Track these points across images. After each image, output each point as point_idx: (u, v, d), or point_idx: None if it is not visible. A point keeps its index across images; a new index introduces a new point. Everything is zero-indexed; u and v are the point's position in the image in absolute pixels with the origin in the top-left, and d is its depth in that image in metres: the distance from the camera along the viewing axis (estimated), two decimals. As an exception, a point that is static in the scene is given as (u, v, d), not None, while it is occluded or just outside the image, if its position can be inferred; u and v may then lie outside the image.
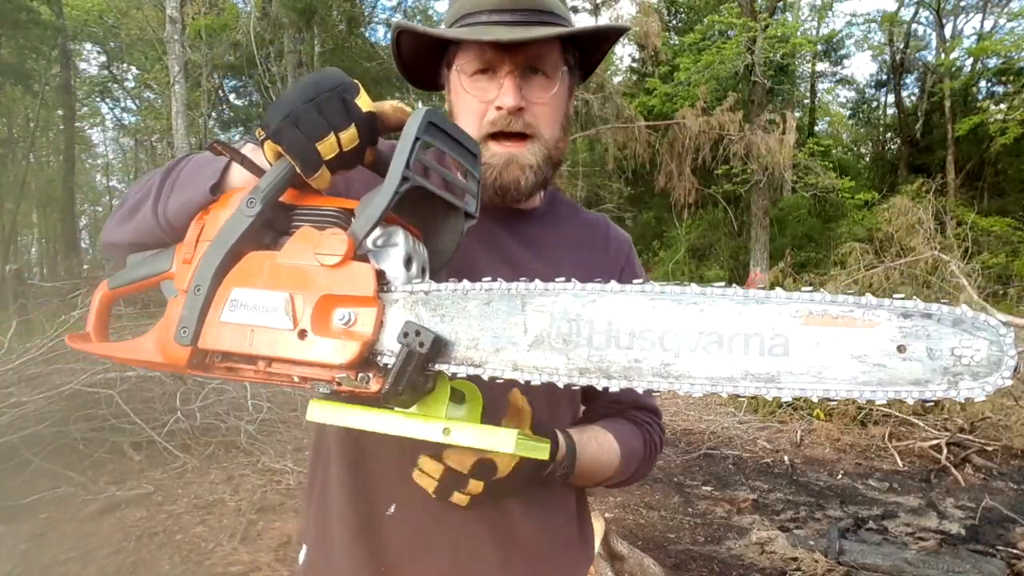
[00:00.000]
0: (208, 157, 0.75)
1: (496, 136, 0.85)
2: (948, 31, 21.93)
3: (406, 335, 0.57)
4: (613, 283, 0.55)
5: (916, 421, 4.97)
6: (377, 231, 0.63)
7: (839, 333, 0.48)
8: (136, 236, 0.76)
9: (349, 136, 0.62)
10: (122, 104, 25.14)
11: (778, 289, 0.51)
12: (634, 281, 0.87)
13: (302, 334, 0.59)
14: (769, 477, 4.45)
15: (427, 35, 0.87)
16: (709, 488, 4.24)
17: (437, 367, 0.59)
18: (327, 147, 0.61)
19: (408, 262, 0.64)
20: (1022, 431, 4.68)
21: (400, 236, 0.64)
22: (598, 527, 2.73)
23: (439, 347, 0.58)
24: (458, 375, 0.59)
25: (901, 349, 0.46)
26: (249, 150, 0.71)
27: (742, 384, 0.49)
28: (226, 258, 0.63)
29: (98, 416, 4.34)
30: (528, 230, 0.94)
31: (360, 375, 0.59)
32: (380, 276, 0.61)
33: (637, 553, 2.88)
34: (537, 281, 0.57)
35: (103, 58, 22.20)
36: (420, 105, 0.70)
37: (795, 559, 3.23)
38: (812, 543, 3.35)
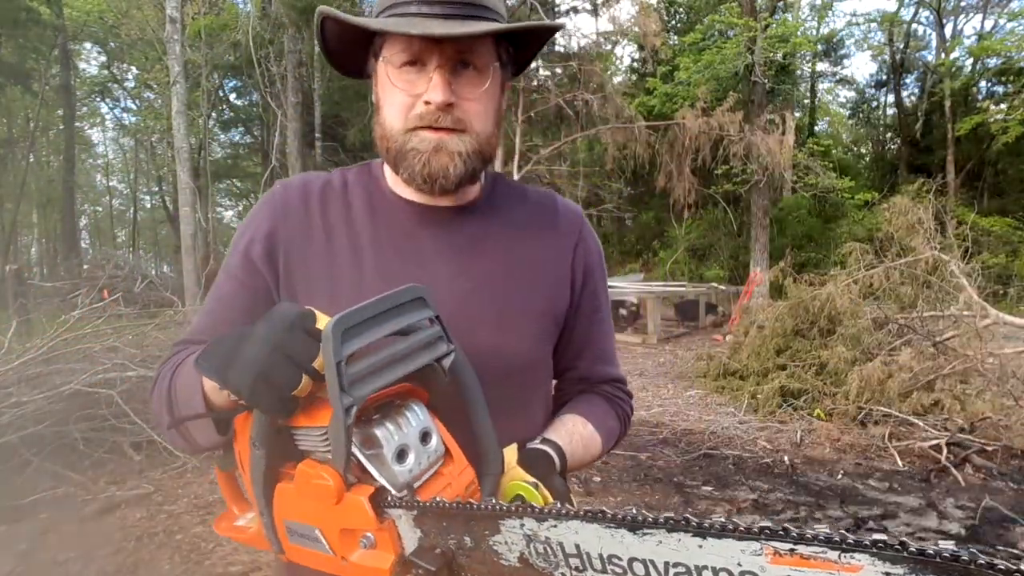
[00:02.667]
0: (188, 388, 0.77)
1: (425, 127, 0.82)
2: (948, 31, 21.93)
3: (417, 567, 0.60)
4: (568, 508, 0.54)
5: (916, 421, 4.97)
6: (356, 442, 0.63)
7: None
8: (192, 450, 0.84)
9: (321, 362, 0.62)
10: (122, 104, 25.13)
11: (735, 519, 0.47)
12: (588, 283, 0.98)
13: (344, 559, 0.63)
14: (769, 477, 4.45)
15: (353, 24, 0.82)
16: (709, 488, 4.24)
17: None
18: (303, 389, 0.62)
19: (401, 454, 0.64)
20: (1022, 431, 4.67)
21: (379, 437, 0.63)
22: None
23: (452, 567, 0.60)
24: None
25: None
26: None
27: None
28: (266, 492, 0.68)
29: (98, 416, 4.34)
30: (466, 229, 0.91)
31: None
32: (379, 495, 0.62)
33: (637, 553, 2.88)
34: (500, 504, 0.57)
35: (103, 58, 22.21)
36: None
37: (795, 559, 3.23)
38: (812, 543, 3.35)
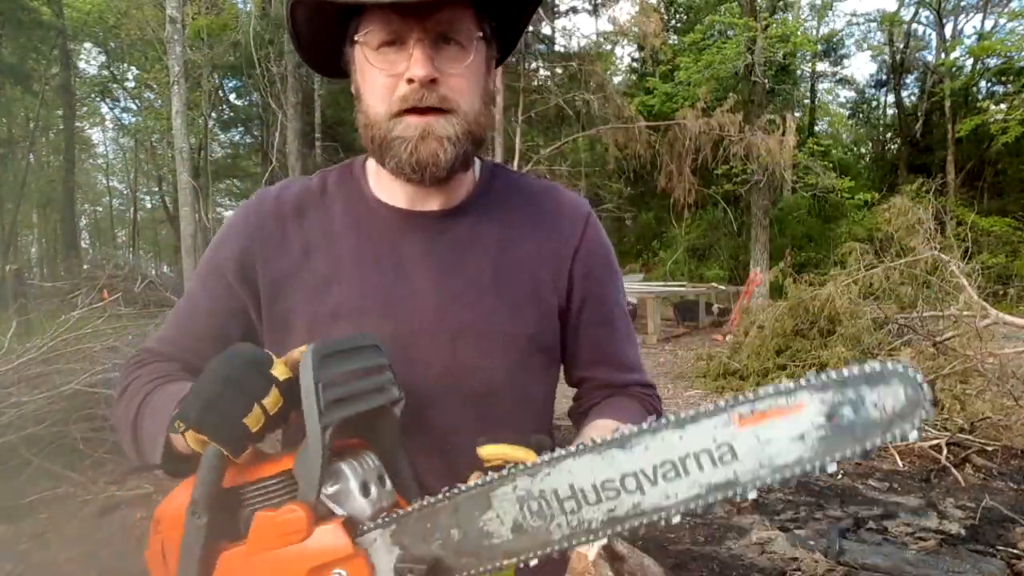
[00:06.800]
0: (153, 430, 0.75)
1: (410, 111, 0.77)
2: (948, 31, 21.94)
3: None
4: (559, 451, 0.56)
5: (916, 421, 4.97)
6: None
7: (774, 424, 0.51)
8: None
9: (273, 400, 0.61)
10: (122, 104, 25.13)
11: (704, 404, 0.53)
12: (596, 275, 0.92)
13: None
14: (769, 477, 4.45)
15: (324, 3, 0.76)
16: (709, 488, 4.25)
17: None
18: (253, 419, 0.60)
19: (365, 488, 0.64)
20: (1022, 431, 4.67)
21: (345, 470, 0.63)
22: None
23: (437, 572, 0.58)
24: None
25: (831, 418, 0.49)
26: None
27: (710, 496, 0.52)
28: (203, 568, 0.62)
29: (98, 416, 4.34)
30: (452, 234, 0.86)
31: None
32: (348, 524, 0.61)
33: (637, 553, 2.87)
34: (490, 476, 0.57)
35: (103, 58, 22.22)
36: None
37: (795, 559, 3.23)
38: (812, 543, 3.35)
